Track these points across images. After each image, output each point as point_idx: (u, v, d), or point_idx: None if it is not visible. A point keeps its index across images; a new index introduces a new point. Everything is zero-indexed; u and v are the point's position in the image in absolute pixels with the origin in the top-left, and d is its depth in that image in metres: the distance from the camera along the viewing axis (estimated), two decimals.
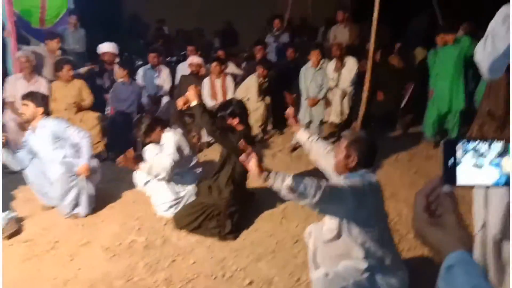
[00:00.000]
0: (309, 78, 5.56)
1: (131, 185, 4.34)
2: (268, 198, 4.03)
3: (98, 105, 5.93)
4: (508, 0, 1.88)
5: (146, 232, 3.82)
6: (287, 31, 8.34)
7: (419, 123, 6.13)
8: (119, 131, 5.43)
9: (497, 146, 0.88)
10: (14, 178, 4.73)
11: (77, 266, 3.34)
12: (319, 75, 5.54)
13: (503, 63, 1.90)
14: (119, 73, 5.80)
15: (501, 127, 2.27)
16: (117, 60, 6.55)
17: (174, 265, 3.35)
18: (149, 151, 4.14)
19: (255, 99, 6.00)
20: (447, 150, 0.89)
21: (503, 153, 0.88)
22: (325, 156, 2.87)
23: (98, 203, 4.22)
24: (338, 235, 2.42)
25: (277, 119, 6.45)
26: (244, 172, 3.77)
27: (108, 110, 6.07)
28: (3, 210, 3.87)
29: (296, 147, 5.79)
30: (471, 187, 0.90)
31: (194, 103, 3.56)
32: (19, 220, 3.93)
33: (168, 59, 7.89)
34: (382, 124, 6.44)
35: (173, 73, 6.94)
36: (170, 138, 4.02)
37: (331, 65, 6.35)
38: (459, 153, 0.88)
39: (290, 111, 3.20)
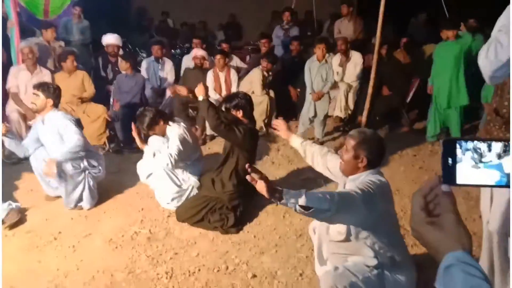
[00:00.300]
0: (314, 72, 5.52)
1: (134, 177, 4.32)
2: None
3: (102, 98, 5.93)
4: None
5: (149, 224, 3.81)
6: (297, 25, 8.26)
7: (424, 119, 6.09)
8: (125, 124, 5.42)
9: (497, 146, 0.86)
10: (18, 168, 4.74)
11: (79, 258, 3.33)
12: (324, 69, 5.49)
13: (505, 72, 1.88)
14: (122, 65, 5.77)
15: (506, 126, 2.27)
16: (121, 52, 6.53)
17: (176, 257, 3.34)
18: (152, 143, 4.12)
19: (259, 92, 5.97)
20: (446, 149, 0.88)
21: (504, 153, 0.86)
22: (321, 159, 2.80)
23: (101, 195, 4.21)
24: (347, 239, 2.36)
25: (281, 112, 6.43)
26: None
27: (112, 102, 6.06)
28: (6, 200, 3.86)
29: None
30: (471, 186, 0.89)
31: (200, 97, 3.63)
32: (22, 211, 3.92)
33: (172, 51, 7.87)
34: (387, 120, 6.40)
35: (178, 66, 6.92)
36: (175, 131, 3.99)
37: (336, 59, 6.30)
38: (458, 153, 0.87)
39: (276, 122, 3.16)
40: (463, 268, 0.80)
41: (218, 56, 6.03)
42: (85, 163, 4.01)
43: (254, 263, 3.26)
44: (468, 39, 5.69)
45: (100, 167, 4.14)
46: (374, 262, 2.34)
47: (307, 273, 3.11)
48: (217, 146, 5.45)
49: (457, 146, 0.87)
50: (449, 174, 0.88)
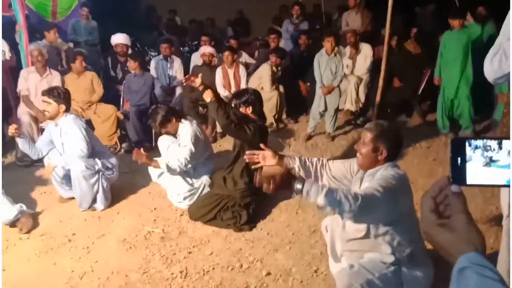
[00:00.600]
0: (323, 66, 5.46)
1: (146, 177, 4.32)
2: None
3: (112, 98, 5.94)
4: None
5: (162, 223, 3.81)
6: (306, 19, 8.20)
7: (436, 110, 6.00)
8: (135, 124, 5.43)
9: (508, 144, 0.83)
10: (30, 171, 4.78)
11: (94, 259, 3.34)
12: (333, 62, 5.43)
13: (506, 79, 1.93)
14: (130, 65, 5.78)
15: None
16: (130, 51, 6.53)
17: (190, 256, 3.33)
18: (163, 142, 4.11)
19: (268, 88, 5.94)
20: (455, 148, 0.86)
21: None
22: (325, 174, 2.62)
23: (113, 195, 4.22)
24: (367, 236, 2.32)
25: (291, 108, 6.39)
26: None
27: (122, 102, 6.07)
28: (21, 202, 3.88)
29: (311, 136, 5.72)
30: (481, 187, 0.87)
31: (208, 99, 3.57)
32: (36, 215, 3.94)
33: (181, 49, 7.85)
34: (399, 112, 6.32)
35: (187, 63, 6.90)
36: (187, 129, 3.98)
37: (345, 52, 6.24)
38: (468, 151, 0.85)
39: (260, 155, 2.69)
40: (477, 270, 0.78)
41: (226, 53, 6.00)
42: (100, 165, 4.01)
43: (268, 260, 3.24)
44: (476, 30, 5.59)
45: (113, 169, 4.15)
46: (391, 259, 2.30)
47: (322, 269, 3.08)
48: (227, 143, 5.42)
49: (467, 144, 0.84)
50: (458, 174, 0.85)
